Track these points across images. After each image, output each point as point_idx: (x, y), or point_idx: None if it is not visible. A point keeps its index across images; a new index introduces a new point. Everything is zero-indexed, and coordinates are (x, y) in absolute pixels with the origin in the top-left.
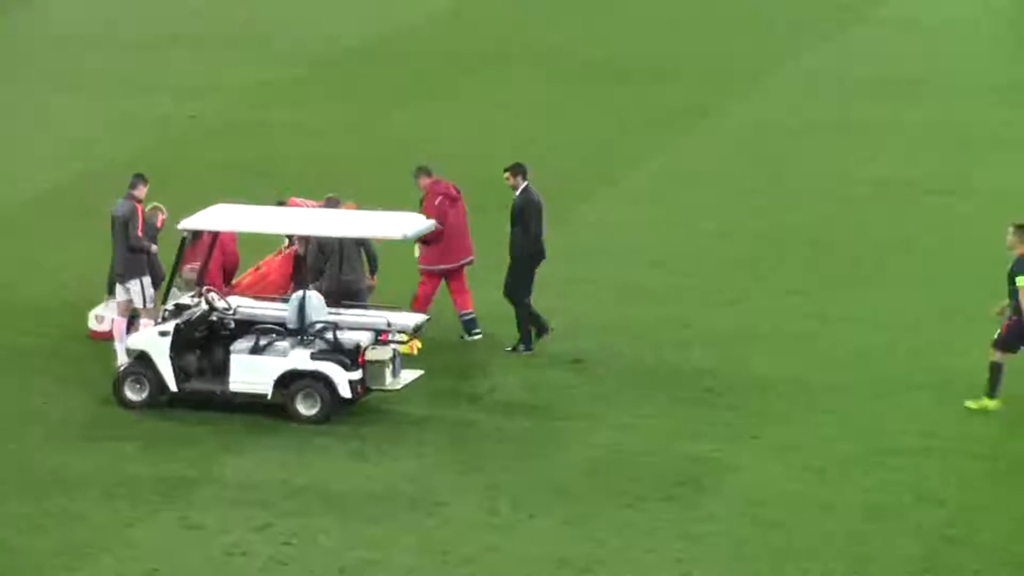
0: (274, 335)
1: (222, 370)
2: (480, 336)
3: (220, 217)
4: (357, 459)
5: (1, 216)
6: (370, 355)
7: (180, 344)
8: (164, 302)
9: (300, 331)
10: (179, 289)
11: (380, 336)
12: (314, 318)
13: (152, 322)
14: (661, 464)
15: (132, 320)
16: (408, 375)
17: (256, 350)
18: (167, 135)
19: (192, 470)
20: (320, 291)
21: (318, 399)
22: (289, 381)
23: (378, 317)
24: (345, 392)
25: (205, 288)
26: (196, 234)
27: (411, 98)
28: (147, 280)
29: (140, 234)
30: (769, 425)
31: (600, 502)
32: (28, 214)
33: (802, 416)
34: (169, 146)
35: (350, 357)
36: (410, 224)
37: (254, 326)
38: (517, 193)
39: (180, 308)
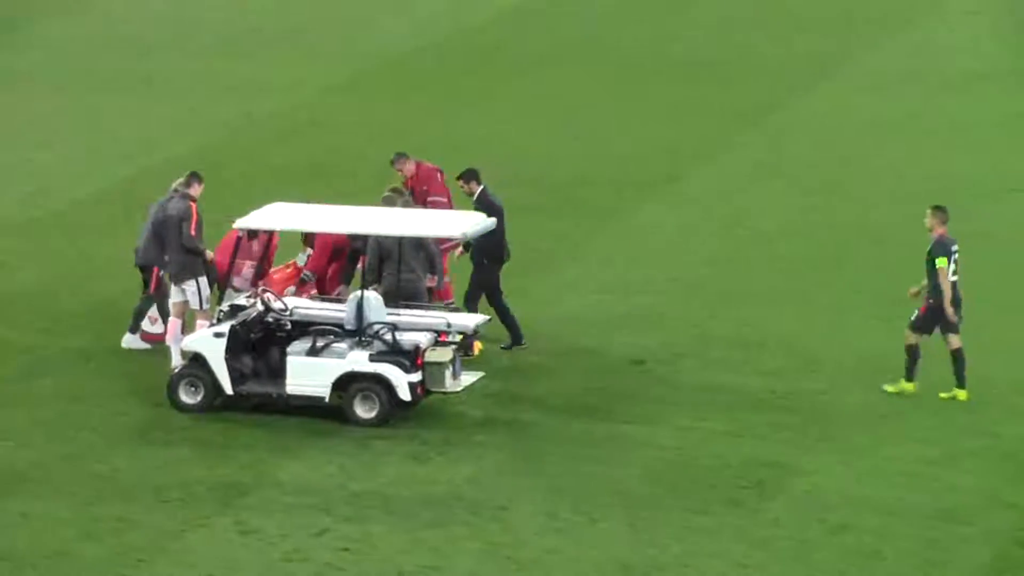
0: (332, 336)
1: (278, 372)
2: None
3: (276, 216)
4: (416, 462)
5: (58, 215)
6: (429, 356)
7: (236, 346)
8: (220, 303)
9: (358, 332)
10: (234, 289)
11: (440, 337)
12: (372, 319)
13: (207, 323)
14: (725, 467)
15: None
16: (468, 377)
17: (313, 352)
18: (229, 134)
19: (248, 474)
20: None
21: (376, 402)
22: (347, 383)
23: (438, 318)
24: (404, 394)
25: (261, 288)
26: (252, 233)
27: (475, 97)
28: (203, 280)
29: (194, 233)
30: (835, 427)
31: (663, 506)
32: (85, 212)
33: (869, 418)
34: (232, 145)
35: (409, 359)
36: (469, 222)
37: (311, 327)
38: (475, 198)
39: (236, 309)
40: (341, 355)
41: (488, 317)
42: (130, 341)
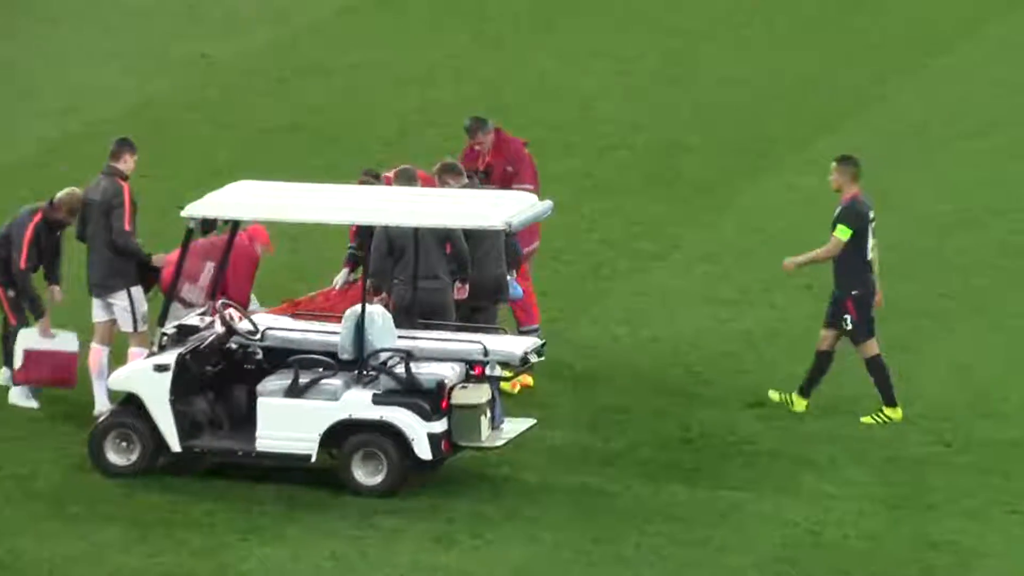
0: (320, 369)
1: (245, 421)
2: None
3: (241, 200)
4: (440, 547)
5: None
6: (458, 397)
7: (185, 383)
8: (162, 323)
9: (358, 363)
10: (183, 304)
11: (473, 370)
12: (378, 345)
13: (144, 351)
14: (882, 550)
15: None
16: (514, 426)
17: (294, 392)
18: (182, 84)
19: (204, 564)
20: (387, 306)
21: (384, 462)
22: (343, 436)
23: (470, 342)
24: (423, 451)
25: (220, 303)
26: (207, 224)
27: (532, 32)
28: (137, 292)
29: (128, 227)
30: None
31: None
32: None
33: None
34: (184, 99)
35: (430, 401)
36: (514, 207)
37: (291, 357)
38: None
39: (185, 332)
40: (334, 396)
41: (542, 341)
42: (17, 395)
